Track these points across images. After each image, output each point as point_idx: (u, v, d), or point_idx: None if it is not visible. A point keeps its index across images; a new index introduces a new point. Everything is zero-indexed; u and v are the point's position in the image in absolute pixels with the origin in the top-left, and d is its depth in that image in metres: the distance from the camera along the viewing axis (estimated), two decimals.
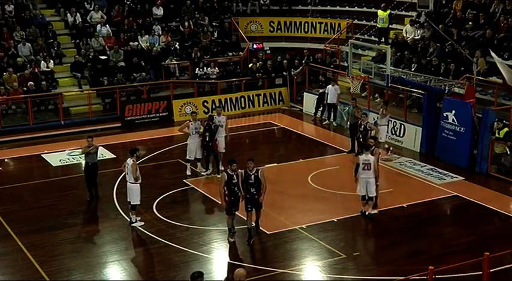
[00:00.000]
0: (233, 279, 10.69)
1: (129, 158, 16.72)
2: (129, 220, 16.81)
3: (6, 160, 22.50)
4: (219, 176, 19.85)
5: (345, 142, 23.40)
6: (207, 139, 19.72)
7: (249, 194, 15.63)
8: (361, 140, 20.39)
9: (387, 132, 22.16)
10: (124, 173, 17.30)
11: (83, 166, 19.11)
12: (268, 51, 30.90)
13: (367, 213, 17.11)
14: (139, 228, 16.56)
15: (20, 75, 25.80)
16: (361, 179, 16.96)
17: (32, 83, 25.35)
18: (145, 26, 29.78)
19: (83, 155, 18.74)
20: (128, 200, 16.70)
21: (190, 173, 20.15)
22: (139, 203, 16.70)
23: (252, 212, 15.81)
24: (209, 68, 28.17)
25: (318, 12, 32.55)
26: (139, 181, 16.65)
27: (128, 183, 16.69)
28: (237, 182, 15.52)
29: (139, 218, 16.91)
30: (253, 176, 15.53)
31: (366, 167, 16.87)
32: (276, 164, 21.32)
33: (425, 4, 27.27)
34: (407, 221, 17.05)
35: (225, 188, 15.53)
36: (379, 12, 27.56)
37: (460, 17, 25.96)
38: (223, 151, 20.14)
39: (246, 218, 15.85)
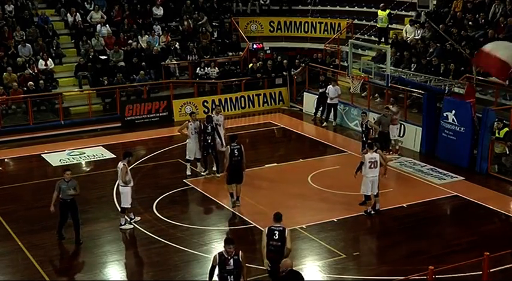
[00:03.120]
0: (280, 269, 11.40)
1: (120, 162, 16.68)
2: (123, 221, 16.78)
3: (6, 160, 22.50)
4: (218, 175, 19.91)
5: (345, 141, 23.45)
6: (209, 139, 19.70)
7: None
8: (363, 138, 20.47)
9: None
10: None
11: (55, 201, 15.73)
12: (268, 51, 30.92)
13: (377, 208, 17.27)
14: (127, 229, 16.57)
15: (19, 75, 25.81)
16: (367, 178, 17.00)
17: (31, 83, 25.34)
18: (145, 26, 29.80)
19: (62, 187, 15.63)
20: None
21: (190, 173, 20.15)
22: (129, 206, 16.63)
23: None
24: (209, 68, 28.19)
25: (318, 12, 32.56)
26: (131, 184, 16.54)
27: (119, 186, 16.68)
28: None
29: (139, 218, 16.95)
30: (232, 260, 11.78)
31: (372, 166, 16.94)
32: (276, 164, 21.32)
33: (425, 4, 27.26)
34: (407, 221, 17.06)
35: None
36: (379, 12, 27.58)
37: (460, 17, 25.97)
38: (223, 149, 20.11)
39: None
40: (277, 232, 12.75)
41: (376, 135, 20.41)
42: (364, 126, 20.66)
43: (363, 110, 21.84)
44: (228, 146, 17.65)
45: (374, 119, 22.09)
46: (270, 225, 12.84)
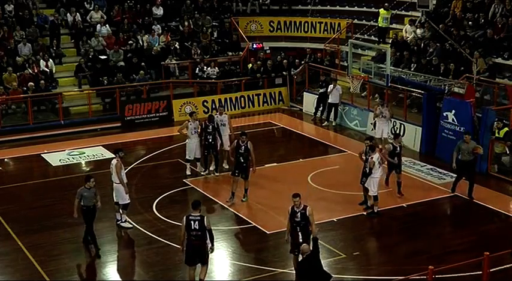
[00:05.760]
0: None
1: (114, 159, 16.67)
2: (118, 218, 16.73)
3: (6, 159, 22.49)
4: (217, 174, 19.91)
5: (345, 141, 23.42)
6: (210, 139, 19.67)
7: None
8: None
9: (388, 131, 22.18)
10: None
11: (77, 208, 15.39)
12: (268, 51, 30.92)
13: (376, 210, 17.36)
14: (127, 227, 16.57)
15: (19, 75, 25.80)
16: (378, 178, 17.09)
17: (32, 83, 25.31)
18: (145, 26, 29.79)
19: (84, 195, 15.28)
20: (115, 200, 16.65)
21: (190, 173, 20.15)
22: (128, 201, 16.62)
23: None
24: (209, 68, 28.19)
25: (318, 12, 32.54)
26: (126, 181, 16.48)
27: (113, 183, 16.58)
28: None
29: (131, 226, 16.83)
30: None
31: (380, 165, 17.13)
32: (276, 164, 21.32)
33: (425, 4, 27.27)
34: (407, 221, 17.07)
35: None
36: (381, 11, 27.57)
37: (460, 17, 25.97)
38: (228, 148, 20.07)
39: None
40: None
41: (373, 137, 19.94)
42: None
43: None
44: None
45: (374, 119, 22.08)
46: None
